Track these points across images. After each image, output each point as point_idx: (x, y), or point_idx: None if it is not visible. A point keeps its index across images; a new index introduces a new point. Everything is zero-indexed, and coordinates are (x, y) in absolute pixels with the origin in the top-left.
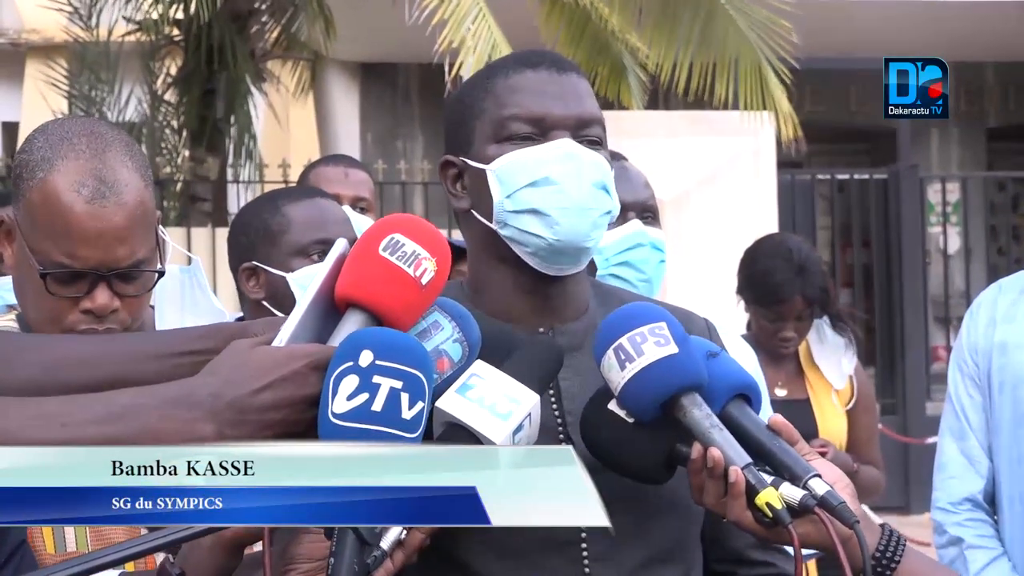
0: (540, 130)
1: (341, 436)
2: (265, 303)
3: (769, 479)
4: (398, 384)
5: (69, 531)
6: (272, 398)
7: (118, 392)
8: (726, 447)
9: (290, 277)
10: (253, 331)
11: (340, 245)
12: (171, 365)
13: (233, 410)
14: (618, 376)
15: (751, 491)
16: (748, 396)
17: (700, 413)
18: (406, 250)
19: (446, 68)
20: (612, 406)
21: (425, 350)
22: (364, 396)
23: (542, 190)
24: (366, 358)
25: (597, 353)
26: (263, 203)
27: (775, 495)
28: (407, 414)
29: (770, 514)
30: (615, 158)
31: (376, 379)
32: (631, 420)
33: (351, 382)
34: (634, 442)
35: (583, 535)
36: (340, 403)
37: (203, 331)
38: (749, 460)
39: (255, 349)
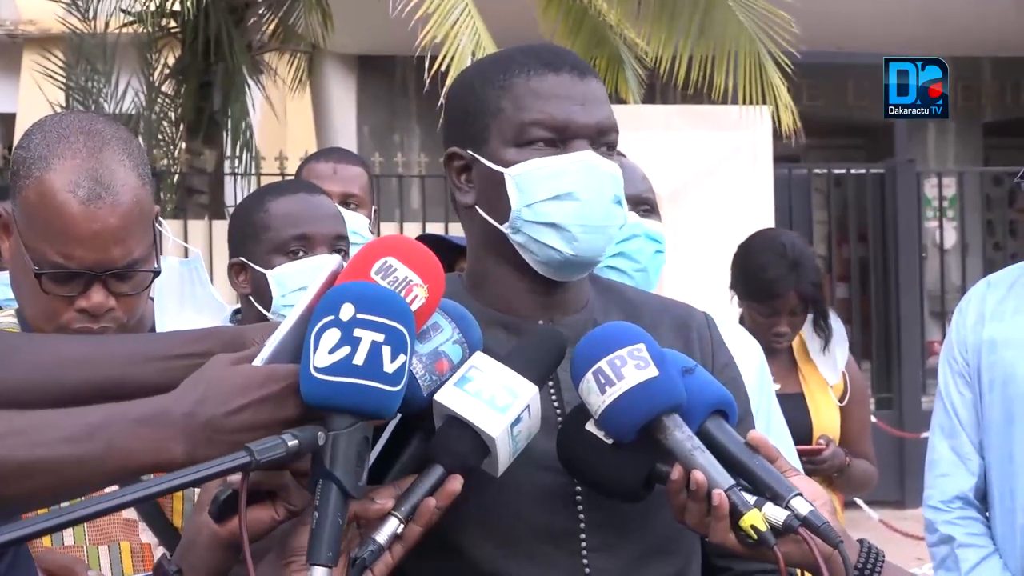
0: (561, 137)
1: (323, 391)
2: (251, 298)
3: (752, 500)
4: (380, 337)
5: None
6: (248, 419)
7: (90, 409)
8: (709, 469)
9: (269, 274)
10: (249, 335)
11: (332, 263)
12: (166, 367)
13: (207, 430)
14: (598, 400)
15: (735, 513)
16: (725, 411)
17: (682, 435)
18: (398, 275)
19: (426, 62)
20: (590, 427)
21: (406, 303)
22: (346, 350)
23: (564, 204)
24: (347, 312)
25: (576, 375)
26: (252, 198)
27: (759, 517)
28: (389, 367)
29: (755, 536)
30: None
31: (357, 332)
32: (609, 441)
33: (332, 336)
34: (614, 463)
35: (582, 526)
36: (322, 357)
37: (199, 334)
38: (732, 482)
39: (234, 367)
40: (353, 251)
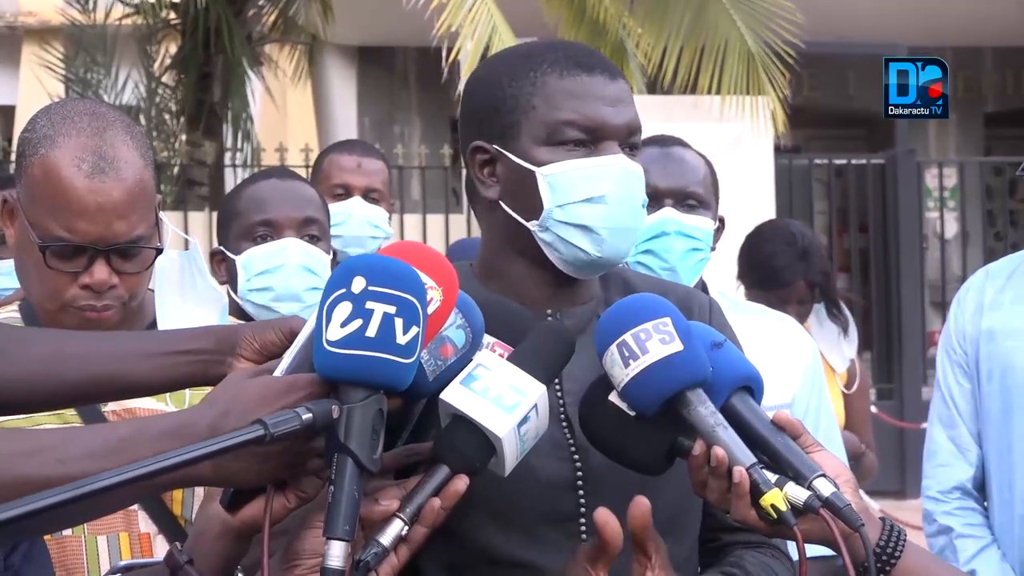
0: (593, 138)
1: (336, 363)
2: (227, 286)
3: (773, 478)
4: (391, 309)
5: None
6: None
7: (115, 424)
8: (731, 446)
9: (237, 259)
10: (243, 334)
11: (296, 264)
12: (163, 364)
13: None
14: (621, 372)
15: (756, 491)
16: (751, 387)
17: (705, 411)
18: None
19: (443, 53)
20: (613, 398)
21: (417, 275)
22: (358, 322)
23: (596, 207)
24: (358, 284)
25: (599, 347)
26: (234, 188)
27: (780, 496)
28: (402, 339)
29: (775, 515)
30: (666, 143)
31: (369, 305)
32: (632, 413)
33: (344, 309)
34: (636, 436)
35: (582, 509)
36: (334, 330)
37: (197, 332)
38: (754, 460)
39: (254, 379)
40: (374, 244)
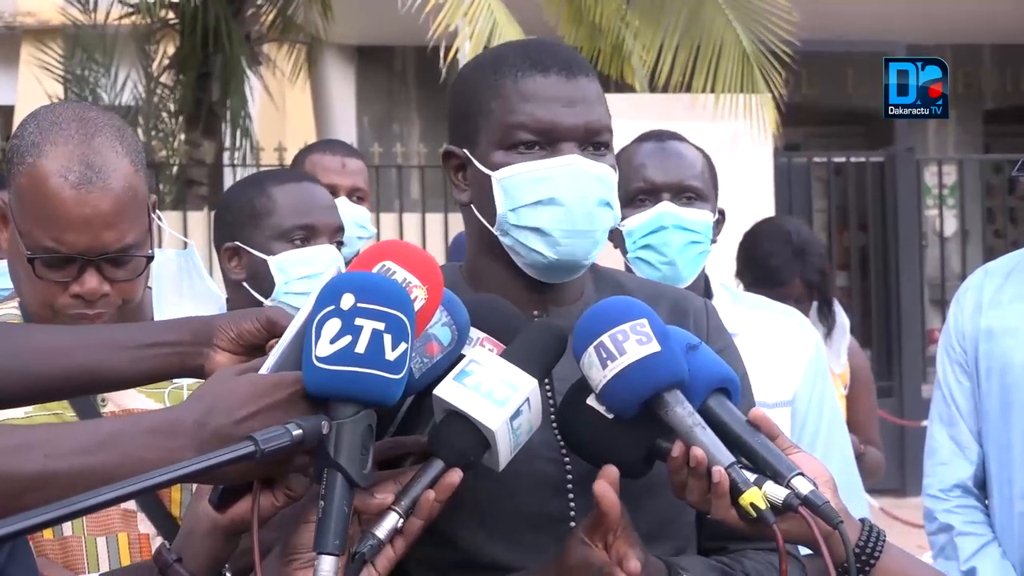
0: (548, 140)
1: (326, 380)
2: (245, 284)
3: (752, 478)
4: (380, 326)
5: None
6: (257, 426)
7: (103, 421)
8: (709, 446)
9: (271, 260)
10: (219, 324)
11: (333, 271)
12: (137, 356)
13: (218, 438)
14: (599, 374)
15: (735, 490)
16: (728, 389)
17: (683, 411)
18: (397, 278)
19: (441, 53)
20: (591, 401)
21: (406, 292)
22: (347, 339)
23: (548, 209)
24: (347, 301)
25: (577, 349)
26: (250, 183)
27: (759, 495)
28: (390, 355)
29: (754, 514)
30: (663, 137)
31: (358, 321)
32: (611, 416)
33: (333, 325)
34: (614, 439)
35: (572, 513)
36: (323, 347)
37: (171, 324)
38: (733, 459)
39: (241, 376)
40: (360, 244)
